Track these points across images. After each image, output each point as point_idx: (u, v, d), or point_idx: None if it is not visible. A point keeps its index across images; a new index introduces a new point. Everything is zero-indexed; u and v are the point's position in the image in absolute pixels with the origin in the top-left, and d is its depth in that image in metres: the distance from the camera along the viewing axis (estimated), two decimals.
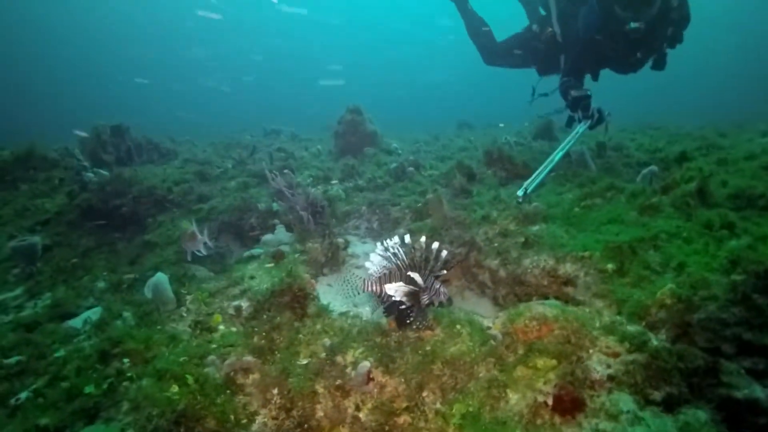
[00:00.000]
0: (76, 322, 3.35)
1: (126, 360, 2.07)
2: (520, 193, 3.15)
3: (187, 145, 7.73)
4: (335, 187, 3.83)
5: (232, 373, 1.84)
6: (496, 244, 2.66)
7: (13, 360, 2.86)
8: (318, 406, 1.69)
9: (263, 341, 1.92)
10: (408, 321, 1.92)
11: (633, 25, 3.70)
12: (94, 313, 3.42)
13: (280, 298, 2.13)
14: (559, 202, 3.14)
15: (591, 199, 3.06)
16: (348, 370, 1.77)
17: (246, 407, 1.74)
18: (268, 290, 2.17)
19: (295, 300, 2.14)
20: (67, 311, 3.49)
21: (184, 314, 2.57)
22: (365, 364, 1.73)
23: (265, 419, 1.70)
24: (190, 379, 1.73)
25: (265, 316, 2.07)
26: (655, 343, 1.63)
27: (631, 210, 2.75)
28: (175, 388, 1.72)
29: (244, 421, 1.70)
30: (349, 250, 3.23)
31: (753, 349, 1.53)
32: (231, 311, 2.38)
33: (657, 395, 1.49)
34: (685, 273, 1.86)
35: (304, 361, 1.83)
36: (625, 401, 1.49)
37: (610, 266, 2.16)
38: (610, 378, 1.58)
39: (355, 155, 5.12)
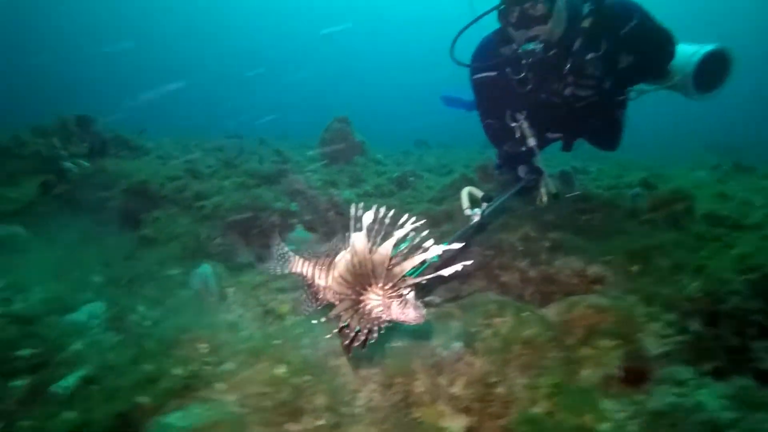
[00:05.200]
0: (78, 317, 3.22)
1: (203, 345, 2.09)
2: (477, 210, 2.78)
3: (151, 142, 7.45)
4: (346, 192, 3.98)
5: (325, 356, 1.95)
6: (521, 248, 2.97)
7: (26, 352, 2.72)
8: (417, 383, 1.86)
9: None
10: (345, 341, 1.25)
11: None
12: (95, 308, 3.30)
13: None
14: (558, 215, 3.52)
15: (590, 214, 3.48)
16: (438, 350, 1.96)
17: (346, 386, 1.87)
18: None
19: None
20: (64, 305, 3.32)
21: (232, 307, 2.60)
22: (458, 344, 1.93)
23: (369, 395, 1.84)
24: (296, 359, 1.83)
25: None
26: (694, 327, 1.99)
27: (631, 223, 3.20)
28: (283, 368, 1.81)
29: (348, 398, 1.83)
30: None
31: None
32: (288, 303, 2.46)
33: (708, 367, 1.84)
34: (704, 274, 2.25)
35: (396, 344, 1.99)
36: (684, 372, 1.82)
37: (635, 267, 2.54)
38: (665, 354, 1.91)
39: (345, 163, 5.29)
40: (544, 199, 3.62)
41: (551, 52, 2.99)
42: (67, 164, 4.63)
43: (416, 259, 1.14)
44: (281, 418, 1.66)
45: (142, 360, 2.17)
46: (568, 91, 3.18)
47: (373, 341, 1.26)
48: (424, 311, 1.20)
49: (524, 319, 2.12)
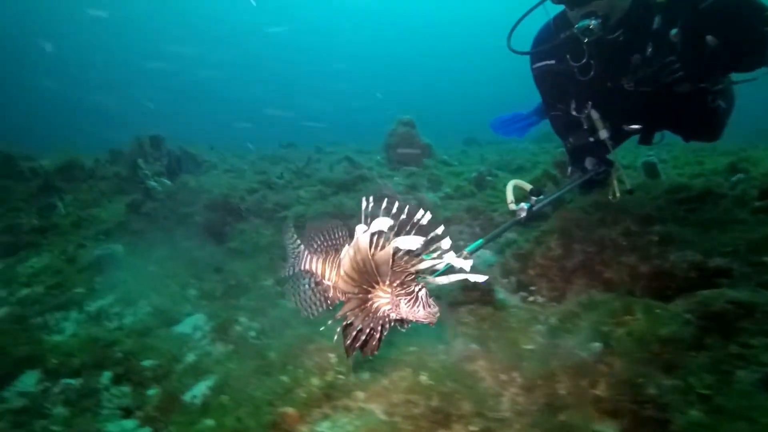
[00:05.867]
0: (183, 329, 3.35)
1: (332, 355, 2.12)
2: (525, 205, 2.47)
3: (214, 156, 7.71)
4: (429, 195, 3.98)
5: (460, 361, 1.94)
6: (625, 243, 2.86)
7: (149, 363, 2.85)
8: (559, 385, 1.82)
9: (478, 331, 2.04)
10: (348, 340, 1.19)
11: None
12: (197, 320, 3.43)
13: (469, 294, 2.25)
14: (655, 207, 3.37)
15: (691, 204, 3.32)
16: (575, 351, 1.91)
17: (488, 390, 1.85)
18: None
19: (481, 295, 2.27)
20: (168, 318, 3.47)
21: None
22: (597, 345, 1.88)
23: (513, 398, 1.81)
24: (435, 365, 1.83)
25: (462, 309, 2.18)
26: None
27: (742, 212, 3.02)
28: (424, 376, 1.81)
29: (492, 403, 1.80)
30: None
31: None
32: None
33: None
34: None
35: (529, 347, 1.96)
36: None
37: (765, 258, 2.39)
38: None
39: (417, 167, 5.28)
40: (618, 193, 3.32)
41: (615, 34, 2.73)
42: (152, 183, 4.85)
43: (425, 264, 1.08)
44: (432, 426, 1.66)
45: (268, 370, 2.24)
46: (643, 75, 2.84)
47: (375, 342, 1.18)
48: (435, 310, 1.11)
49: (658, 317, 2.04)
